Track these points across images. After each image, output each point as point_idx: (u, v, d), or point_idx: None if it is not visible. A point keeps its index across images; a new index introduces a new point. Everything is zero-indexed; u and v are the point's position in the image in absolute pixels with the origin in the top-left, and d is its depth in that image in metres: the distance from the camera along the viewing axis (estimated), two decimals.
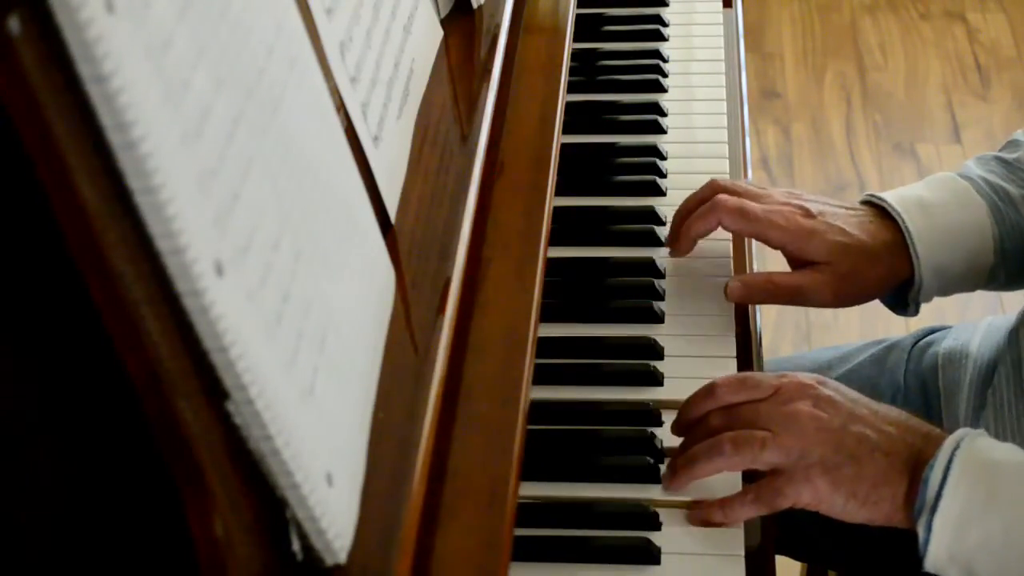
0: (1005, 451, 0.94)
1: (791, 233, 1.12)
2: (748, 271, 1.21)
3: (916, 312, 1.17)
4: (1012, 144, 1.22)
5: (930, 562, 0.93)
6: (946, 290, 1.16)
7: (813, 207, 1.14)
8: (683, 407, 1.02)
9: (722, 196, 1.14)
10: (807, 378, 0.99)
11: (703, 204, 1.16)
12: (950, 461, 0.92)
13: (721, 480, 0.99)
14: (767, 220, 1.12)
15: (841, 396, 0.98)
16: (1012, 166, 1.19)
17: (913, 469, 0.94)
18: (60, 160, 0.54)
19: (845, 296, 1.13)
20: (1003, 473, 0.92)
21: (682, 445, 1.01)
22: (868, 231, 1.13)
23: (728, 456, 0.97)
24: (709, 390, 1.00)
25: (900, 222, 1.13)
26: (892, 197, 1.15)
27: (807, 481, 0.95)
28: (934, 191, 1.16)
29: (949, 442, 0.93)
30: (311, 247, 0.73)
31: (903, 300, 1.16)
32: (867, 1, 3.28)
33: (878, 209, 1.15)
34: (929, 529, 0.92)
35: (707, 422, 0.99)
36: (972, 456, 0.93)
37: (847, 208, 1.16)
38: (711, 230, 1.16)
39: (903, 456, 0.94)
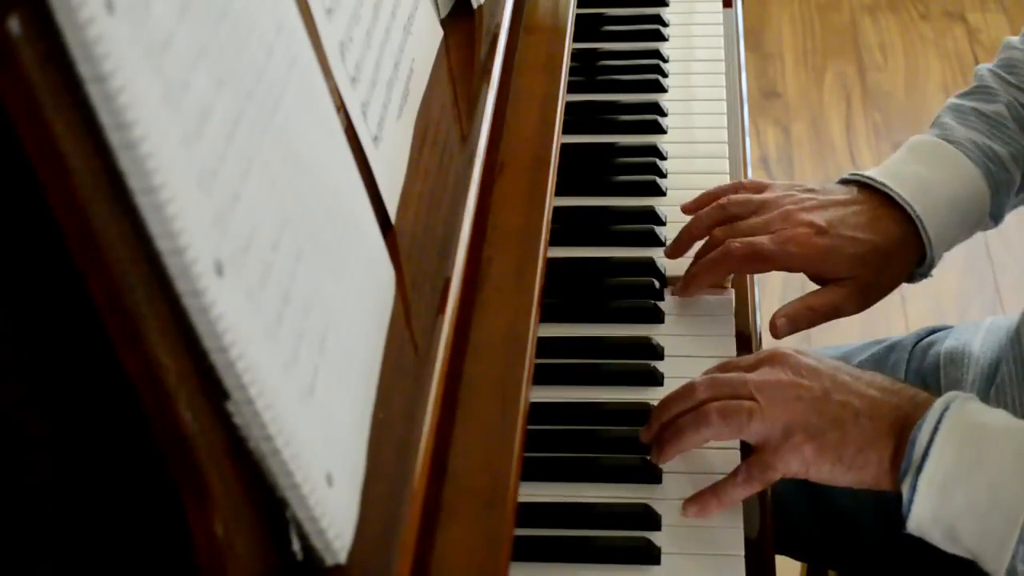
0: (995, 415, 0.94)
1: (808, 259, 1.12)
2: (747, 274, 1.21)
3: (922, 279, 1.18)
4: (984, 91, 1.22)
5: (913, 523, 0.92)
6: (948, 249, 1.18)
7: (821, 219, 1.13)
8: (658, 409, 1.02)
9: (732, 243, 1.13)
10: (787, 348, 1.00)
11: (709, 221, 1.15)
12: (938, 422, 0.92)
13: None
14: (783, 253, 1.12)
15: (822, 364, 0.99)
16: (994, 121, 1.19)
17: (899, 432, 0.94)
18: (60, 160, 0.54)
19: (872, 300, 1.14)
20: (992, 436, 0.92)
21: (654, 418, 1.01)
22: (878, 230, 1.13)
23: (715, 426, 0.97)
24: (688, 390, 1.00)
25: (910, 212, 1.13)
26: (891, 180, 1.15)
27: (794, 450, 0.95)
28: (930, 166, 1.16)
29: (938, 404, 0.94)
30: (311, 247, 0.73)
31: (910, 274, 1.17)
32: (867, 1, 3.28)
33: (878, 195, 1.15)
34: (914, 489, 0.91)
35: (693, 395, 0.99)
36: (961, 418, 0.93)
37: (851, 205, 1.15)
38: (724, 278, 1.16)
39: (888, 419, 0.95)
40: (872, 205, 1.15)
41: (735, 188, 1.20)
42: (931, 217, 1.13)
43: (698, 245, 1.18)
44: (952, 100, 1.23)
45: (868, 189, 1.16)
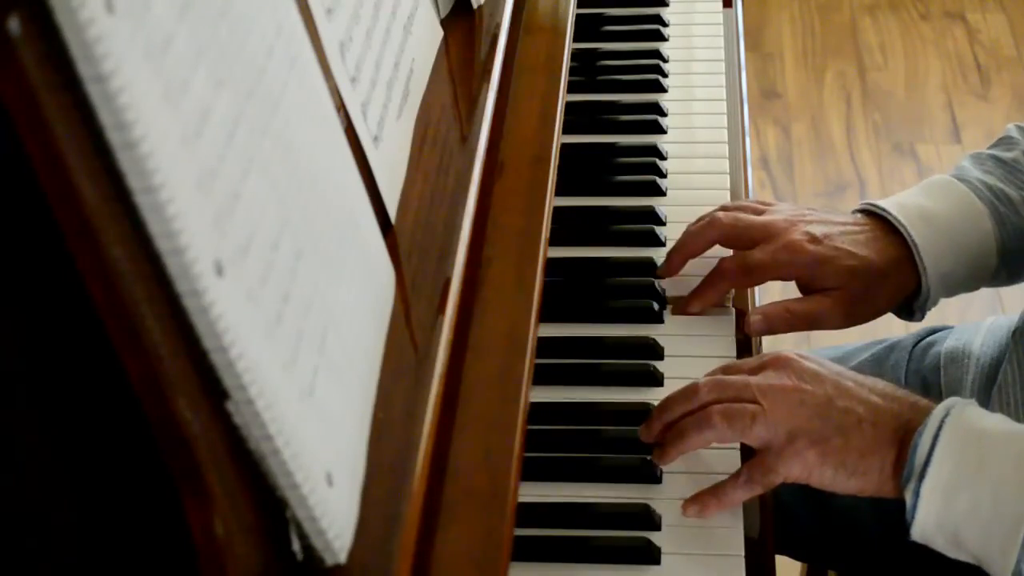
0: (995, 420, 0.94)
1: (800, 266, 1.12)
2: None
3: (922, 318, 1.17)
4: (1006, 141, 1.22)
5: (917, 530, 0.93)
6: (951, 293, 1.16)
7: (818, 230, 1.13)
8: (660, 409, 1.01)
9: (725, 262, 1.14)
10: (790, 352, 1.00)
11: (705, 238, 1.15)
12: (939, 428, 0.92)
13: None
14: (774, 264, 1.12)
15: (825, 369, 0.99)
16: (1010, 166, 1.18)
17: (901, 438, 0.94)
18: (60, 160, 0.54)
19: (857, 317, 1.14)
20: (993, 441, 0.92)
21: (656, 418, 1.01)
22: (874, 248, 1.13)
23: (718, 429, 0.97)
24: (691, 392, 1.00)
25: (906, 236, 1.13)
26: (894, 207, 1.15)
27: (796, 455, 0.95)
28: (935, 199, 1.16)
29: (939, 410, 0.94)
30: (311, 247, 0.73)
31: (909, 308, 1.16)
32: (867, 1, 3.28)
33: (880, 220, 1.15)
34: (917, 495, 0.92)
35: (696, 396, 0.99)
36: (962, 424, 0.93)
37: (850, 224, 1.15)
38: (722, 297, 1.16)
39: (891, 425, 0.95)
40: (871, 228, 1.15)
41: (735, 208, 1.19)
42: (928, 245, 1.12)
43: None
44: (976, 150, 1.23)
45: (870, 215, 1.16)
